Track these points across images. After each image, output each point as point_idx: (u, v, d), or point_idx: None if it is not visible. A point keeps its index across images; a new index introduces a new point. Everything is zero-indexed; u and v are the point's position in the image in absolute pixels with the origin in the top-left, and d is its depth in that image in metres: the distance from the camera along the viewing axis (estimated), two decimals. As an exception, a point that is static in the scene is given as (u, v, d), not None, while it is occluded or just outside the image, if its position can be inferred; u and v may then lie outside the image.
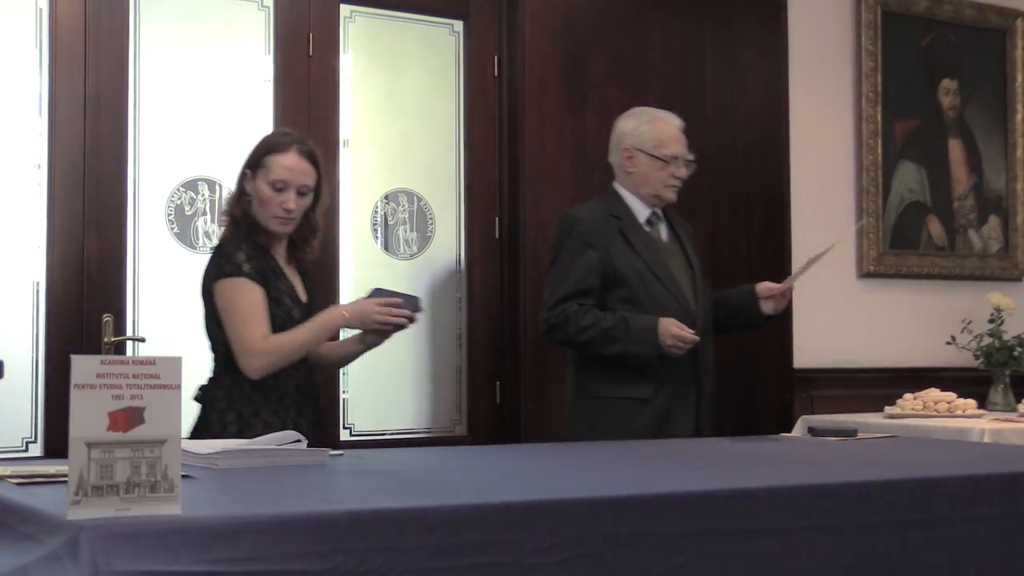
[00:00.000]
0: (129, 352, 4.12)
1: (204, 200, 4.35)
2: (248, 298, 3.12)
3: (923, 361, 5.17)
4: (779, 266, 4.92)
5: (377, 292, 3.31)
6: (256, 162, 3.21)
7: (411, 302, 3.27)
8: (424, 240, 4.72)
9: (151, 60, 4.29)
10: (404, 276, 4.62)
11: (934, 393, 4.75)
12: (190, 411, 3.20)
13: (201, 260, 4.28)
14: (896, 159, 5.37)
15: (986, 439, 4.18)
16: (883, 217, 5.32)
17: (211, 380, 3.27)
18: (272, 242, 3.25)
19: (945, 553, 2.19)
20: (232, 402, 3.16)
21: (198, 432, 3.16)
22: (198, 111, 4.37)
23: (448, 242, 4.78)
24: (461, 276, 4.78)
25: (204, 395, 3.24)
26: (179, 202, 4.31)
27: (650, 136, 3.76)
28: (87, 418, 1.50)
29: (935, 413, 4.64)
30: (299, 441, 2.47)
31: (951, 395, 4.74)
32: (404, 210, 4.72)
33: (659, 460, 2.70)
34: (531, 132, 4.84)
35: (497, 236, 4.82)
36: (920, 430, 4.38)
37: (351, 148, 4.66)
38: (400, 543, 1.61)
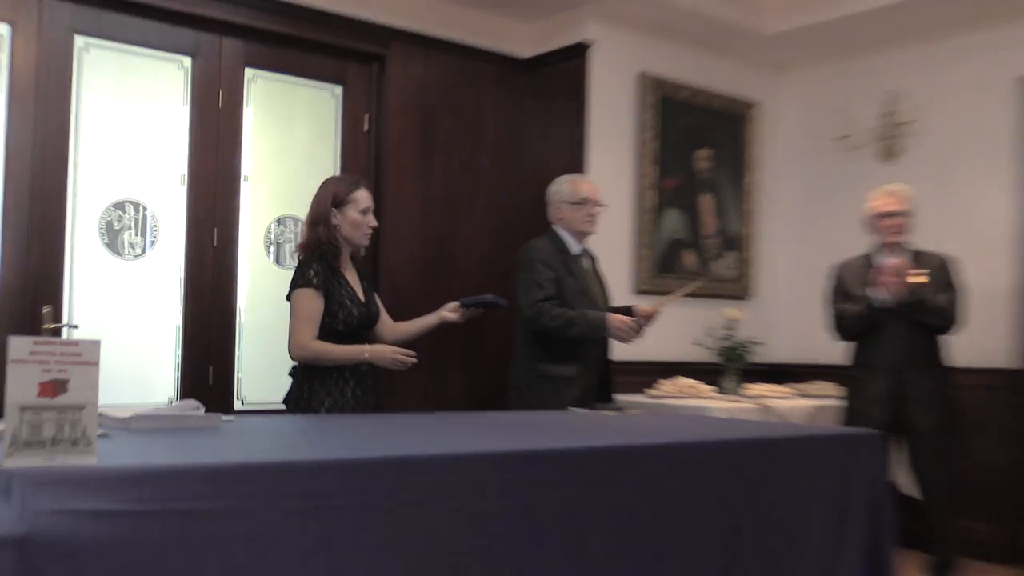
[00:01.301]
0: (64, 336, 4.01)
1: (130, 218, 4.28)
2: (309, 305, 3.18)
3: (677, 356, 5.27)
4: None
5: (464, 300, 3.48)
6: (342, 201, 3.27)
7: (490, 301, 3.46)
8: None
9: (90, 105, 4.22)
10: (286, 282, 4.59)
11: (683, 380, 4.91)
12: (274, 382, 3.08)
13: (126, 265, 4.26)
14: (664, 207, 5.47)
15: (719, 415, 4.33)
16: (654, 250, 5.42)
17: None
18: (339, 259, 3.29)
19: (686, 498, 2.17)
20: (323, 379, 3.20)
21: (295, 398, 3.23)
22: (128, 147, 4.29)
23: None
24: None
25: (298, 372, 3.27)
26: (109, 219, 4.23)
27: (568, 191, 3.99)
28: (21, 387, 1.47)
29: (683, 395, 4.79)
30: (198, 408, 2.45)
31: (696, 382, 4.90)
32: (290, 232, 4.71)
33: (472, 426, 2.61)
34: (392, 177, 4.88)
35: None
36: (672, 408, 4.53)
37: (250, 182, 4.62)
38: (273, 489, 1.59)
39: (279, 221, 4.69)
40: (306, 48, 4.75)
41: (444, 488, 1.80)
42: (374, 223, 3.34)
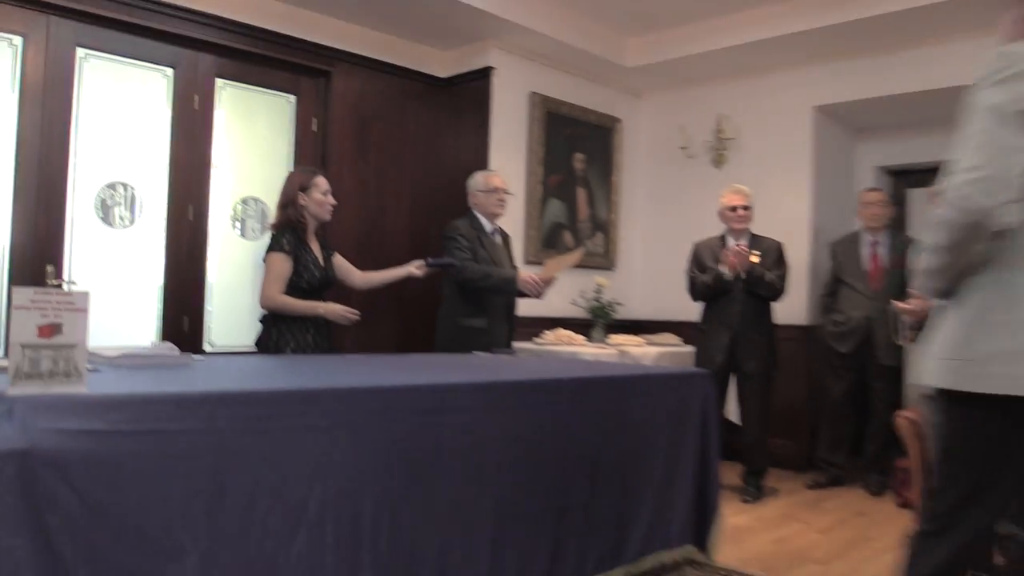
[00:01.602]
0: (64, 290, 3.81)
1: (121, 196, 4.09)
2: (279, 266, 3.12)
3: (558, 313, 5.30)
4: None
5: (430, 261, 3.48)
6: (307, 186, 3.22)
7: (448, 263, 3.57)
8: (264, 230, 4.56)
9: (88, 105, 4.00)
10: (250, 252, 4.48)
11: (562, 331, 4.94)
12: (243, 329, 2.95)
13: (117, 234, 4.07)
14: (548, 197, 5.48)
15: (589, 358, 4.37)
16: (540, 230, 5.42)
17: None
18: (306, 231, 3.23)
19: (564, 419, 2.13)
20: (289, 325, 3.14)
21: (265, 341, 3.14)
22: (120, 138, 4.10)
23: (281, 231, 4.64)
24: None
25: (268, 320, 3.18)
26: (103, 196, 4.04)
27: (482, 182, 3.92)
28: (23, 329, 1.43)
29: (562, 343, 4.81)
30: (173, 349, 2.37)
31: (572, 333, 4.93)
32: (252, 210, 4.57)
33: (396, 365, 2.51)
34: (334, 169, 4.78)
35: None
36: (553, 352, 4.53)
37: (220, 169, 4.46)
38: (232, 412, 1.56)
39: (244, 201, 4.54)
40: (267, 64, 4.59)
41: (371, 412, 1.78)
42: (333, 201, 3.30)
